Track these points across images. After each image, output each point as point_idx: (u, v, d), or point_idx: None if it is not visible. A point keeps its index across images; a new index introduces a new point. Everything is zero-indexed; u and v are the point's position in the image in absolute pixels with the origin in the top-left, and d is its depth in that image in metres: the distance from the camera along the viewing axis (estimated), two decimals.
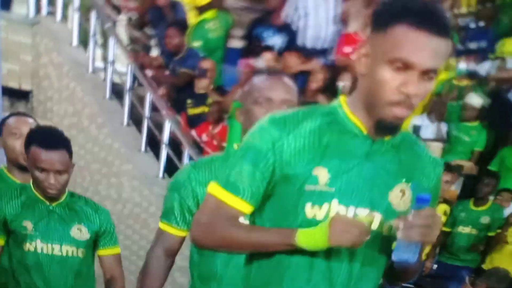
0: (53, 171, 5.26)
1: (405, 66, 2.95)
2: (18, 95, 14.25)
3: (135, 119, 12.62)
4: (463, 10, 13.92)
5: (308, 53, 13.17)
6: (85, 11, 13.65)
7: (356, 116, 3.20)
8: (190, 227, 4.09)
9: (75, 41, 14.10)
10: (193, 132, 11.91)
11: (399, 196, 3.27)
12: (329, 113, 3.25)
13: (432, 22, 2.94)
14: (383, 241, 3.31)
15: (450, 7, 13.72)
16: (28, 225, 5.38)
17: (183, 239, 4.40)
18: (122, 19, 13.85)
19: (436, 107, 12.52)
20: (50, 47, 14.20)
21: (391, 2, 3.05)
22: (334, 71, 12.61)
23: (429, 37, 2.93)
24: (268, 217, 3.34)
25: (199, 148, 11.57)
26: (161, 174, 11.88)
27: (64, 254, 5.46)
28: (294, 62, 12.67)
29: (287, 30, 13.37)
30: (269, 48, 12.87)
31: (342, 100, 3.26)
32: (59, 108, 13.61)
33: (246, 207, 3.28)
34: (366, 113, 3.15)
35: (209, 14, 13.57)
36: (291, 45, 13.19)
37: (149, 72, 12.86)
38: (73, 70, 13.65)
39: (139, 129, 12.46)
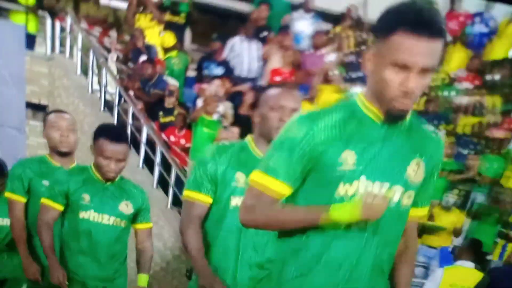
0: (115, 159, 4.81)
1: (404, 67, 2.62)
2: (38, 108, 13.67)
3: (122, 125, 11.79)
4: (346, 51, 13.19)
5: (240, 79, 12.99)
6: (85, 50, 13.18)
7: (372, 106, 2.80)
8: (213, 196, 3.86)
9: (78, 71, 13.57)
10: (163, 135, 11.53)
11: (415, 170, 2.87)
12: (349, 106, 2.85)
13: (425, 27, 2.58)
14: (403, 211, 2.92)
15: (336, 49, 13.19)
16: (86, 197, 4.93)
17: (210, 205, 3.90)
18: (112, 56, 13.36)
19: None
20: (61, 75, 13.68)
21: (389, 12, 2.68)
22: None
23: (423, 40, 2.58)
24: (304, 196, 2.87)
25: (167, 145, 11.23)
26: (141, 165, 11.36)
27: (111, 223, 5.00)
28: (228, 85, 12.37)
29: (226, 64, 13.06)
30: (215, 77, 12.58)
31: (359, 95, 2.85)
32: None
33: (285, 189, 2.84)
34: (378, 104, 2.78)
35: (173, 53, 13.39)
36: (229, 75, 12.87)
37: (131, 93, 12.37)
38: (77, 91, 13.21)
39: None
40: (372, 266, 2.86)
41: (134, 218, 5.10)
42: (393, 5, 2.65)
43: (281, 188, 2.81)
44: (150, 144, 11.12)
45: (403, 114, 2.76)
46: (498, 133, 12.19)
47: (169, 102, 11.80)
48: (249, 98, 12.01)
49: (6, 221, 5.92)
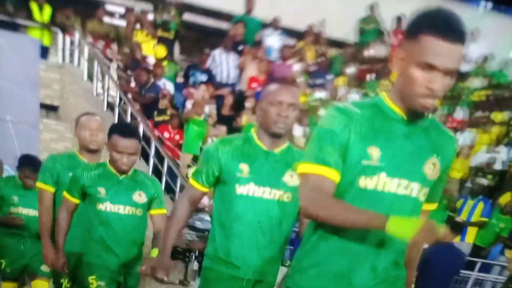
0: (127, 153, 4.49)
1: (431, 68, 2.37)
2: (51, 108, 13.52)
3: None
4: (309, 62, 13.11)
5: (221, 85, 12.61)
6: (91, 60, 12.93)
7: (396, 105, 2.54)
8: (211, 186, 3.60)
9: (85, 77, 13.33)
10: (156, 131, 11.26)
11: (432, 168, 2.58)
12: (375, 104, 2.58)
13: (452, 32, 2.35)
14: (419, 206, 2.62)
15: (301, 60, 13.06)
16: (102, 190, 4.58)
17: (204, 193, 3.70)
18: (113, 65, 13.11)
19: (302, 118, 11.31)
20: (70, 81, 13.47)
21: (419, 16, 2.42)
22: (241, 96, 12.15)
23: (449, 44, 2.34)
24: None
25: (161, 141, 10.99)
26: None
27: (127, 213, 4.63)
28: (211, 90, 12.06)
29: (209, 72, 12.75)
30: (200, 82, 12.27)
31: (384, 94, 2.59)
32: (75, 116, 12.02)
33: (338, 176, 2.53)
34: (402, 102, 2.51)
35: (164, 63, 13.02)
36: (211, 81, 12.55)
37: (130, 95, 12.02)
38: (84, 94, 12.93)
39: None
40: (392, 258, 2.60)
41: (149, 206, 4.73)
42: (423, 10, 2.44)
43: (335, 176, 2.51)
44: (146, 139, 10.73)
45: (425, 112, 2.50)
46: None
47: (162, 103, 11.54)
48: (229, 100, 11.95)
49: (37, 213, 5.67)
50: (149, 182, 4.75)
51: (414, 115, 2.51)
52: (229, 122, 11.30)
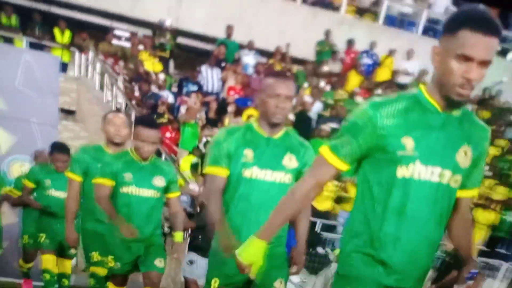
0: (148, 142, 4.20)
1: (467, 59, 2.14)
2: (68, 112, 13.27)
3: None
4: None
5: (208, 93, 12.54)
6: (102, 74, 12.86)
7: (433, 97, 2.29)
8: (229, 167, 3.23)
9: (97, 87, 13.15)
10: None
11: (463, 156, 2.32)
12: (412, 97, 2.32)
13: (487, 26, 2.12)
14: (452, 191, 2.36)
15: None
16: (128, 175, 4.28)
17: (227, 177, 3.26)
18: (120, 78, 12.80)
19: None
20: (84, 90, 13.33)
21: (457, 14, 2.19)
22: (224, 102, 12.08)
23: (484, 37, 2.12)
24: (371, 172, 2.36)
25: (160, 140, 10.47)
26: None
27: (148, 195, 4.32)
28: (200, 97, 11.80)
29: (198, 83, 12.69)
30: (192, 91, 12.08)
31: (422, 87, 2.34)
32: (89, 119, 12.60)
33: (342, 165, 2.36)
34: (439, 94, 2.27)
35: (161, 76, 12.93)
36: (200, 90, 12.44)
37: (134, 102, 11.89)
38: (96, 101, 12.72)
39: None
40: (430, 248, 2.40)
41: (166, 189, 4.44)
42: (461, 7, 2.21)
43: (339, 164, 2.34)
44: None
45: (462, 100, 2.23)
46: None
47: (161, 108, 11.40)
48: (213, 106, 11.93)
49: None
50: (166, 168, 4.46)
51: (449, 106, 2.28)
52: (215, 124, 11.21)
